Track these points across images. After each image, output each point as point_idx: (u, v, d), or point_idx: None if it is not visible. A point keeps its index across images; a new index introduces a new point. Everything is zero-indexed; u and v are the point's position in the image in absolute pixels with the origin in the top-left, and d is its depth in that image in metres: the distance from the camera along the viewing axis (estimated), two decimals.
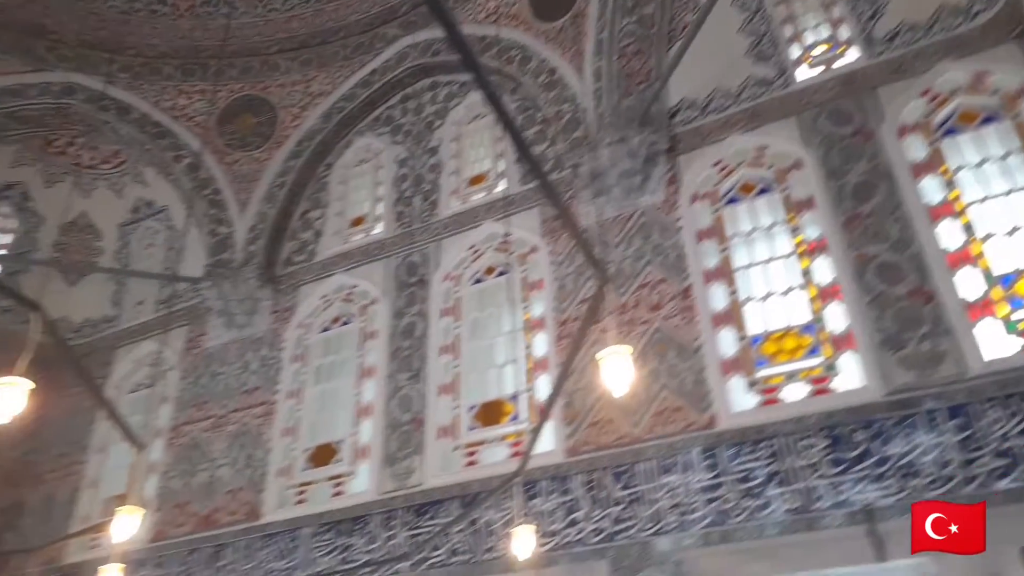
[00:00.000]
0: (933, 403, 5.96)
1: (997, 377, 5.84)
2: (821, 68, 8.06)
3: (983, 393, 5.82)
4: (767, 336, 7.19)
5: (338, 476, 8.71)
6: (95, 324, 11.69)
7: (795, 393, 6.78)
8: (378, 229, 10.27)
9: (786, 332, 7.12)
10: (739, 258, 7.69)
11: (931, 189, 6.95)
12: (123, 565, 6.10)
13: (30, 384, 3.73)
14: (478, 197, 9.64)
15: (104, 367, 11.10)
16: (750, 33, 8.55)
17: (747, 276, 7.56)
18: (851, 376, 6.56)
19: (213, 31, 10.71)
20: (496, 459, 7.88)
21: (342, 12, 10.76)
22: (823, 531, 5.93)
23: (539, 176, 4.04)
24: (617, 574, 6.56)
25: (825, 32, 8.34)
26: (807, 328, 7.05)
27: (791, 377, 6.88)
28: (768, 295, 7.37)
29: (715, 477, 6.50)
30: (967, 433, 5.75)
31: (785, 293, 7.29)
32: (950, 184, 6.96)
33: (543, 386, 8.00)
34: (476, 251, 9.25)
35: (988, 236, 6.60)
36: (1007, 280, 6.40)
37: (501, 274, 9.03)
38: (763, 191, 7.93)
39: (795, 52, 8.34)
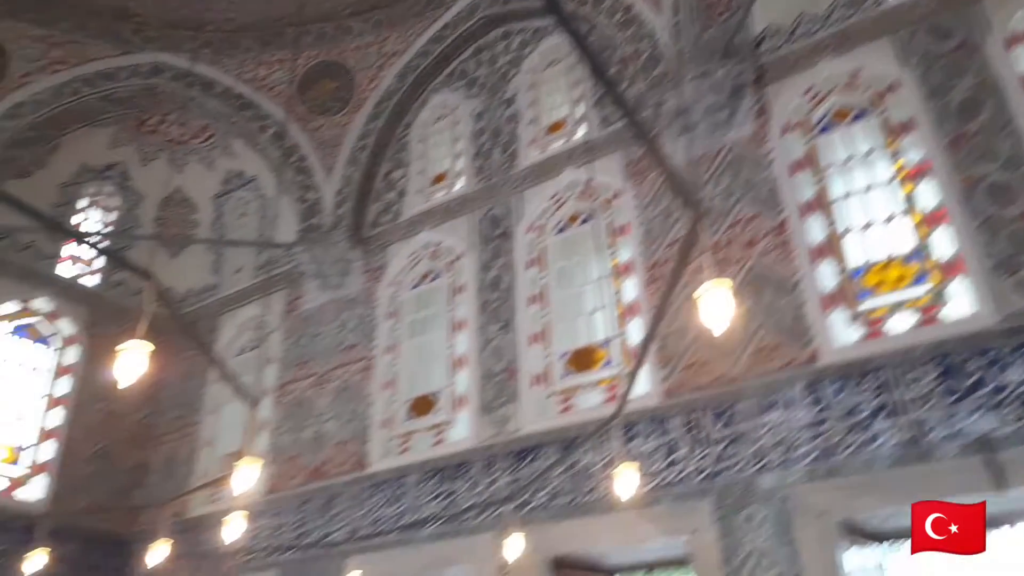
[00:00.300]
0: None
1: None
2: None
3: None
4: (869, 267, 6.94)
5: (438, 425, 8.97)
6: (198, 293, 12.27)
7: (901, 324, 6.55)
8: (459, 185, 10.34)
9: (889, 262, 6.85)
10: (836, 188, 7.41)
11: None
12: (247, 512, 6.46)
13: (150, 347, 3.93)
14: (557, 145, 9.56)
15: (210, 333, 11.66)
16: None
17: (845, 206, 7.29)
18: (961, 304, 6.28)
19: (287, 1, 10.85)
20: (591, 404, 7.94)
21: None
22: (936, 463, 5.77)
23: (625, 113, 3.96)
24: (720, 512, 6.56)
25: None
26: (912, 256, 6.76)
27: (896, 308, 6.64)
28: (868, 225, 7.09)
29: (819, 412, 6.38)
30: None
31: (887, 221, 7.00)
32: None
33: (635, 331, 7.98)
34: (558, 200, 9.21)
35: None
36: None
37: (585, 221, 8.98)
38: (858, 116, 7.58)
39: None
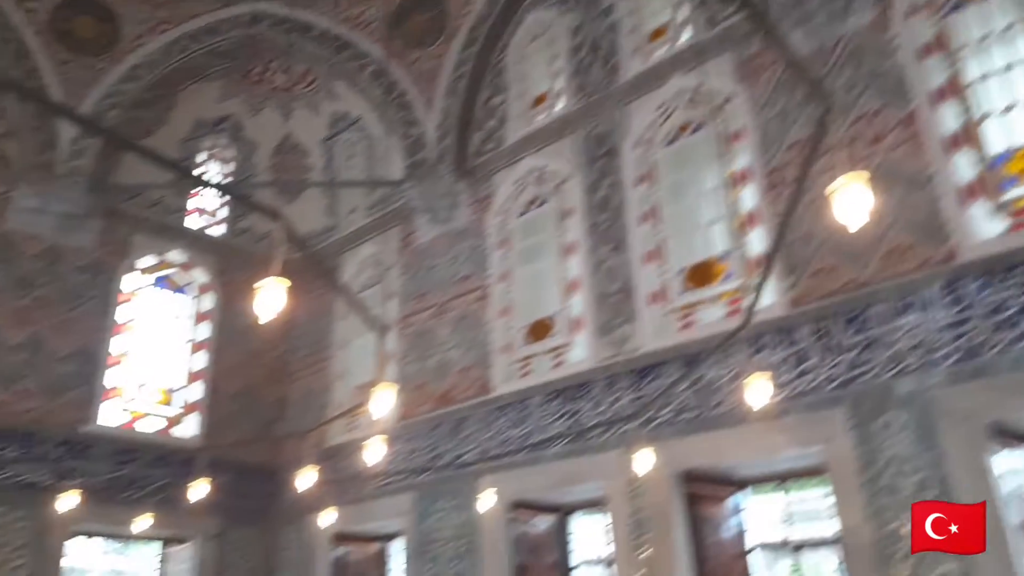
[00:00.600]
0: None
1: None
2: None
3: None
4: (1012, 153, 6.39)
5: (556, 348, 9.07)
6: (317, 235, 12.73)
7: None
8: (560, 105, 10.14)
9: None
10: (971, 71, 6.79)
11: None
12: (386, 436, 6.79)
13: (287, 283, 4.09)
14: (661, 52, 9.16)
15: (333, 273, 12.12)
16: None
17: (982, 90, 6.68)
18: None
19: None
20: (713, 319, 7.81)
21: None
22: None
23: (742, 4, 3.73)
24: (856, 419, 6.39)
25: None
26: None
27: None
28: (1010, 107, 6.49)
29: (961, 312, 6.03)
30: None
31: None
32: None
33: (755, 241, 7.72)
34: (666, 110, 8.89)
35: None
36: None
37: (696, 130, 8.65)
38: None
39: None
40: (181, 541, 10.96)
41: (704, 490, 7.52)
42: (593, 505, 8.46)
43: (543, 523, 8.82)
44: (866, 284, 6.61)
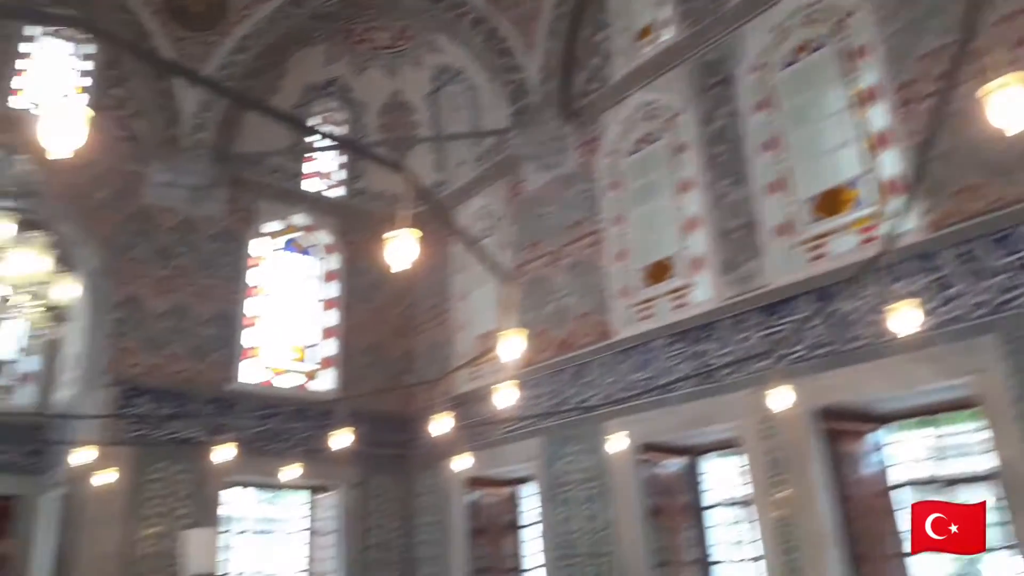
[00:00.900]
0: None
1: None
2: None
3: None
4: None
5: (677, 290, 8.90)
6: (430, 190, 12.90)
7: None
8: (667, 35, 9.73)
9: None
10: None
11: None
12: (516, 381, 6.88)
13: (418, 232, 4.13)
14: None
15: (454, 223, 12.25)
16: None
17: None
18: None
19: None
20: (845, 249, 7.42)
21: None
22: None
23: None
24: (1010, 347, 5.96)
25: None
26: None
27: None
28: None
29: None
30: None
31: None
32: None
33: (888, 163, 7.22)
34: (782, 31, 8.37)
35: None
36: None
37: (816, 49, 8.11)
38: None
39: None
40: (326, 489, 11.65)
41: (843, 427, 7.27)
42: (725, 446, 8.35)
43: (673, 465, 8.81)
44: (1017, 202, 6.08)
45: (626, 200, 9.83)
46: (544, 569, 9.62)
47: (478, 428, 9.89)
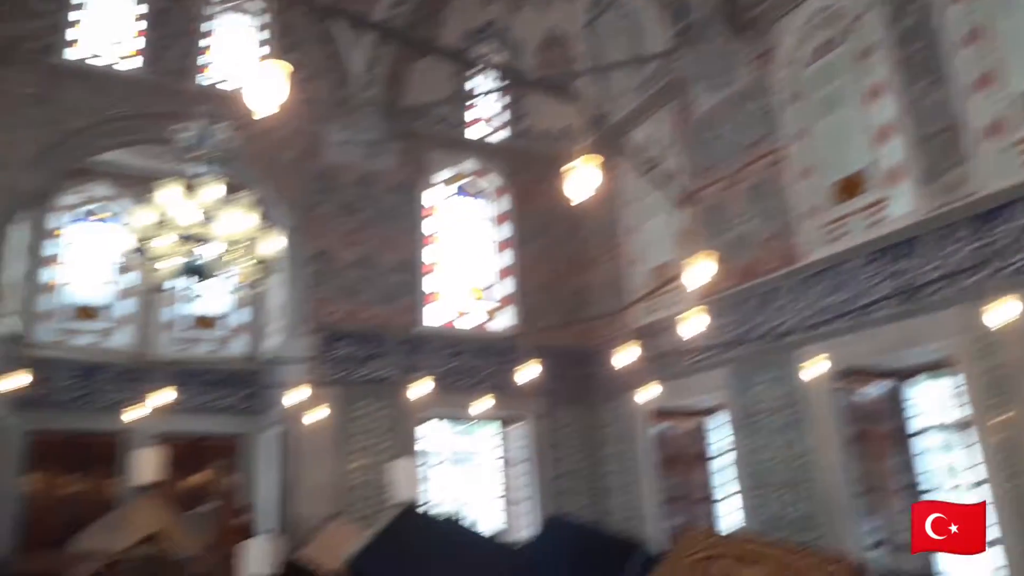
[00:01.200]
0: None
1: None
2: None
3: None
4: None
5: (872, 205, 8.32)
6: (591, 126, 12.75)
7: None
8: None
9: None
10: None
11: None
12: (704, 308, 6.77)
13: (599, 159, 4.11)
14: None
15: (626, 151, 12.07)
16: None
17: None
18: None
19: None
20: None
21: None
22: None
23: None
24: None
25: None
26: None
27: None
28: None
29: None
30: None
31: None
32: None
33: None
34: None
35: None
36: None
37: None
38: None
39: None
40: (515, 421, 12.14)
41: None
42: (934, 367, 7.83)
43: (875, 389, 8.37)
44: None
45: (808, 113, 9.23)
46: (738, 498, 9.57)
47: (661, 360, 9.87)
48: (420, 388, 10.45)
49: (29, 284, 12.62)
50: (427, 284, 12.12)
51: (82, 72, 10.98)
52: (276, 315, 13.17)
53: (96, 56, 11.33)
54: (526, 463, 12.04)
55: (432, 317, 12.04)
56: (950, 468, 7.89)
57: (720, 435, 10.38)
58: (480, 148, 13.08)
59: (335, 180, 11.86)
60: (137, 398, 11.21)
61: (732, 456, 9.73)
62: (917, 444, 8.21)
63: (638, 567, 5.36)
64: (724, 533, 6.57)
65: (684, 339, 7.52)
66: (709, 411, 10.61)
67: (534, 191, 12.36)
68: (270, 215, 12.05)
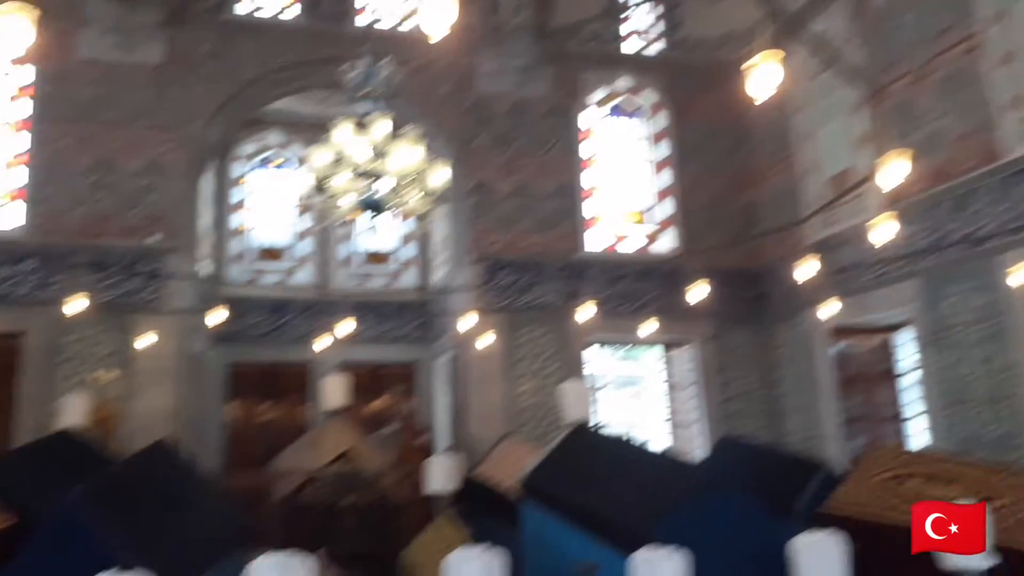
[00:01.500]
0: None
1: None
2: None
3: None
4: None
5: None
6: (751, 29, 11.90)
7: None
8: None
9: None
10: None
11: None
12: (895, 212, 6.25)
13: (781, 54, 3.77)
14: None
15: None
16: None
17: None
18: None
19: None
20: None
21: None
22: None
23: None
24: None
25: None
26: None
27: None
28: None
29: None
30: None
31: None
32: None
33: None
34: None
35: None
36: None
37: None
38: None
39: None
40: (680, 344, 11.96)
41: None
42: None
43: None
44: None
45: None
46: (926, 416, 8.97)
47: (841, 275, 9.28)
48: (584, 313, 10.47)
49: (219, 230, 13.75)
50: (586, 209, 12.01)
51: (250, 26, 11.60)
52: (441, 248, 13.60)
53: (259, 8, 11.87)
54: (693, 386, 11.87)
55: (592, 242, 11.96)
56: None
57: (907, 351, 9.70)
58: (635, 64, 12.61)
59: (489, 110, 11.88)
60: (321, 330, 12.01)
61: (919, 374, 9.09)
62: None
63: (820, 486, 5.16)
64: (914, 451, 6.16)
65: (870, 250, 6.96)
66: (895, 327, 9.91)
67: (693, 105, 11.83)
68: (432, 149, 12.37)
